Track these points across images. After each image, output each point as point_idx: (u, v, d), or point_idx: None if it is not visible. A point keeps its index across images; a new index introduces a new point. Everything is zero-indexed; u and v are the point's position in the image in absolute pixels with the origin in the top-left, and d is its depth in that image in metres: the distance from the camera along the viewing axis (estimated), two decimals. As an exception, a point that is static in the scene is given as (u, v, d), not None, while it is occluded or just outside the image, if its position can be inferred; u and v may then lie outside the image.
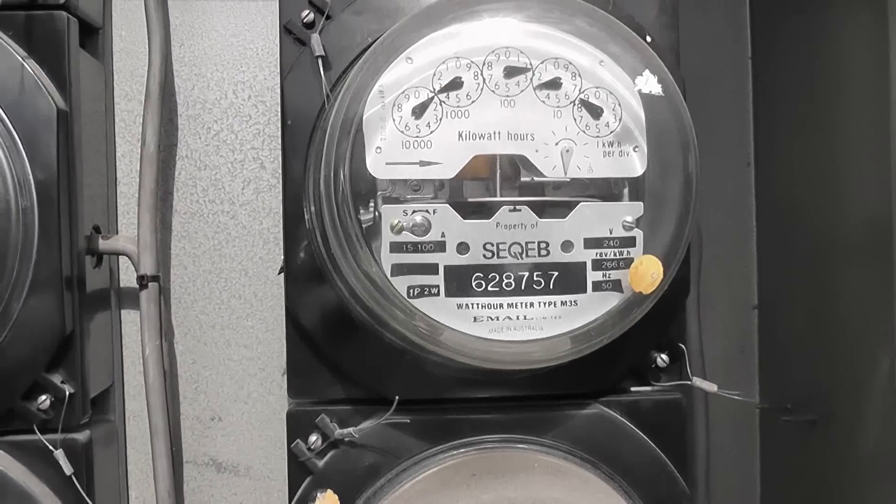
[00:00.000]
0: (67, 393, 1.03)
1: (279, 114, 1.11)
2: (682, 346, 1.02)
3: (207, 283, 1.22)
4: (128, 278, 1.21)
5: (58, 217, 1.02)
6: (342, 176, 0.88)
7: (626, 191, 0.94)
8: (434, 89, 0.90)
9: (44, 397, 1.03)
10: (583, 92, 0.91)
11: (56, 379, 1.04)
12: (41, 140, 1.02)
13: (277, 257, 1.20)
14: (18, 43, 1.03)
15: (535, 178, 0.93)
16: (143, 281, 1.11)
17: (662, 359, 1.02)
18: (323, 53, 0.97)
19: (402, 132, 0.89)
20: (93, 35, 1.17)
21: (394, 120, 0.89)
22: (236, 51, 1.23)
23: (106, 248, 1.13)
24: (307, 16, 1.01)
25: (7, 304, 1.01)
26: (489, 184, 0.95)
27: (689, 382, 1.02)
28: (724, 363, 1.27)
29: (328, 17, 1.00)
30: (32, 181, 1.02)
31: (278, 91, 1.14)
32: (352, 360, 1.03)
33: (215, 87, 1.22)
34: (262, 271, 1.22)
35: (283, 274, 1.03)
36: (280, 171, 1.12)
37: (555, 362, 0.92)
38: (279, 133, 1.12)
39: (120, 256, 1.20)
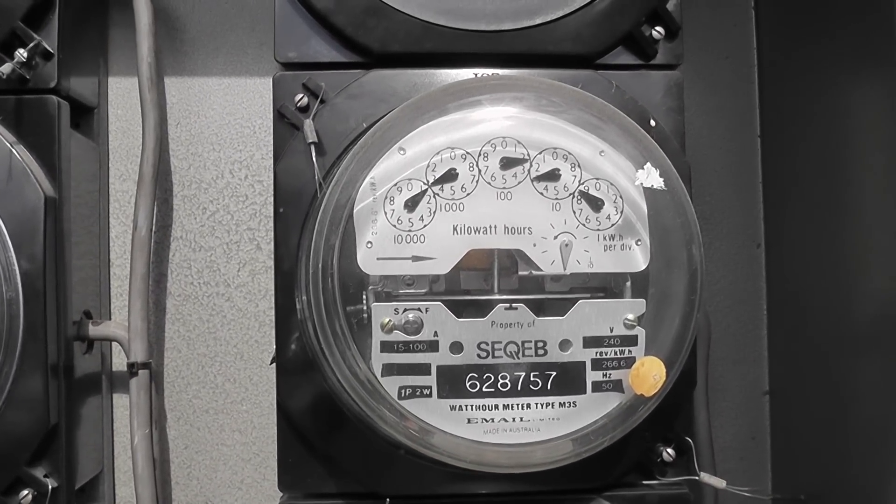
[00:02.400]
0: (50, 488, 1.00)
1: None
2: (690, 441, 0.98)
3: (202, 366, 1.19)
4: (120, 362, 1.17)
5: (44, 308, 0.99)
6: (331, 271, 0.85)
7: (627, 285, 0.89)
8: (428, 181, 0.87)
9: (25, 492, 1.00)
10: (583, 183, 0.89)
11: (39, 473, 1.01)
12: (28, 229, 1.00)
13: (273, 341, 1.15)
14: (8, 128, 1.02)
15: (533, 273, 0.87)
16: (133, 368, 1.08)
17: (669, 453, 0.99)
18: (315, 140, 0.95)
19: (394, 226, 0.87)
20: (87, 115, 1.14)
21: (385, 213, 0.87)
22: (233, 130, 1.20)
23: (96, 334, 1.10)
24: (301, 99, 0.99)
25: (-7, 399, 0.95)
26: (485, 275, 0.90)
27: (696, 478, 0.96)
28: (736, 451, 1.23)
29: (322, 101, 0.96)
30: (18, 272, 0.99)
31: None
32: (344, 455, 1.00)
33: (211, 167, 1.19)
34: (257, 355, 1.19)
35: (274, 364, 0.97)
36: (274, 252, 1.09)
37: (554, 466, 0.86)
38: (275, 214, 1.08)
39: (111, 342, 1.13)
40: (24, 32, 1.00)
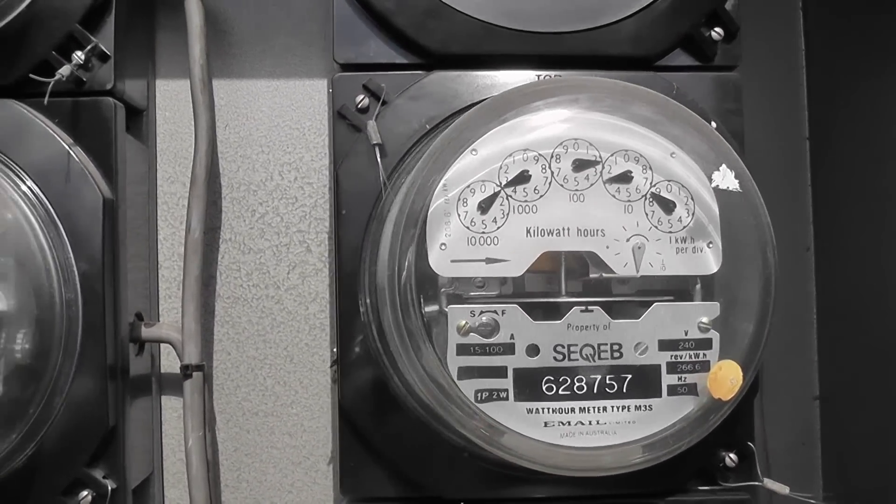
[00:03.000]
0: (110, 489, 0.99)
1: (327, 196, 1.09)
2: (752, 446, 0.97)
3: (251, 369, 1.18)
4: (168, 364, 1.16)
5: (102, 309, 0.99)
6: (405, 274, 0.84)
7: (697, 288, 0.88)
8: (500, 183, 0.86)
9: (85, 493, 1.00)
10: (654, 185, 0.88)
11: (98, 474, 1.01)
12: (86, 230, 0.99)
13: (324, 343, 1.16)
14: (65, 130, 1.00)
15: (604, 275, 0.87)
16: (187, 370, 1.07)
17: (731, 458, 0.98)
18: (380, 141, 0.94)
19: (467, 228, 0.86)
20: (137, 117, 1.13)
21: (459, 215, 0.86)
22: (282, 132, 1.20)
23: (149, 336, 1.09)
24: (361, 101, 0.97)
25: (49, 398, 0.97)
26: (552, 278, 0.90)
27: (759, 483, 0.96)
28: (786, 457, 1.22)
29: (384, 103, 0.95)
30: (76, 273, 0.98)
31: (326, 173, 1.12)
32: (406, 458, 0.99)
33: (261, 169, 1.18)
34: (307, 358, 1.18)
35: (335, 367, 0.97)
36: (327, 255, 1.11)
37: (629, 469, 0.86)
38: (327, 216, 1.10)
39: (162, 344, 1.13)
40: (81, 35, 0.99)
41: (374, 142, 0.94)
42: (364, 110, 0.98)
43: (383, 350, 0.94)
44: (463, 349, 0.85)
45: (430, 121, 0.98)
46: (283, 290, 1.19)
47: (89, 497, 1.00)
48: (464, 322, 0.85)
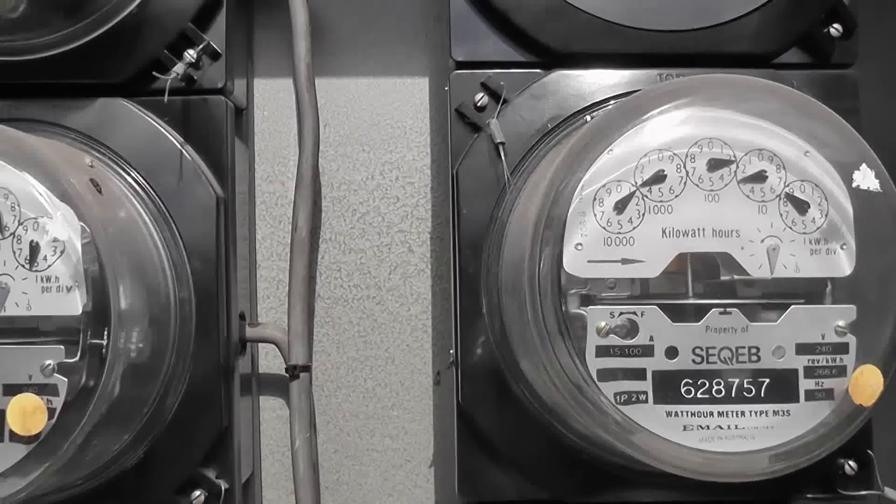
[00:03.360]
0: (223, 489, 0.98)
1: (429, 196, 1.10)
2: (871, 454, 0.95)
3: (351, 370, 1.17)
4: (268, 364, 1.15)
5: (216, 308, 0.98)
6: (543, 275, 0.82)
7: (828, 291, 0.87)
8: (636, 183, 0.84)
9: (198, 493, 1.00)
10: (788, 185, 0.85)
11: (210, 473, 1.00)
12: (200, 229, 0.99)
13: (425, 345, 1.15)
14: (175, 128, 1.00)
15: (736, 277, 0.85)
16: (294, 371, 1.06)
17: (851, 466, 0.96)
18: (504, 140, 0.92)
19: (604, 228, 0.85)
20: (238, 116, 1.11)
21: (595, 215, 0.84)
22: (383, 130, 1.18)
23: (254, 336, 1.08)
24: (480, 99, 0.95)
25: (162, 397, 0.97)
26: (678, 279, 0.89)
27: (879, 493, 0.94)
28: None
29: (505, 101, 0.94)
30: (189, 272, 0.97)
31: (427, 172, 1.12)
32: (526, 460, 0.99)
33: (361, 168, 1.17)
34: (408, 359, 1.17)
35: (452, 368, 0.97)
36: (429, 256, 1.13)
37: (771, 476, 0.84)
38: (429, 216, 1.09)
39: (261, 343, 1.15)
40: (193, 33, 0.99)
41: (498, 140, 0.93)
42: (482, 108, 0.96)
43: (505, 351, 0.93)
44: (602, 351, 0.84)
45: (552, 120, 0.96)
46: (385, 291, 1.17)
47: (202, 497, 0.99)
48: (603, 323, 0.83)
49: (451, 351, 0.97)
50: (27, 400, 0.83)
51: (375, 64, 1.19)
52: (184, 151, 0.96)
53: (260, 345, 1.15)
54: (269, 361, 1.15)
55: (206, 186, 0.95)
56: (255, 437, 1.16)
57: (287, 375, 1.09)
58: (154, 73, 0.95)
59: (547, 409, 0.93)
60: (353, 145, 1.17)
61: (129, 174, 0.97)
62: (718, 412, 0.85)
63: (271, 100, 1.17)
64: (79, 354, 0.84)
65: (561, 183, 0.84)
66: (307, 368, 1.07)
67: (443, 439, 1.16)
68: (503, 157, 0.93)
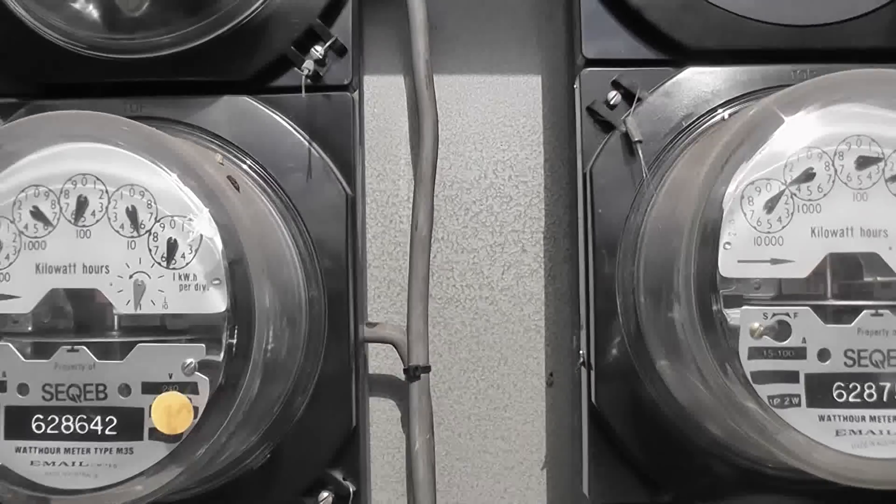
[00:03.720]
0: (351, 491, 0.96)
1: (542, 195, 1.14)
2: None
3: (464, 371, 1.16)
4: (377, 365, 1.13)
5: (347, 307, 0.96)
6: (697, 275, 0.80)
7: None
8: (785, 181, 0.82)
9: (325, 494, 0.99)
10: (937, 185, 0.83)
11: (337, 475, 0.99)
12: (329, 227, 0.97)
13: (538, 346, 1.15)
14: (300, 126, 0.99)
15: (879, 279, 0.83)
16: (415, 372, 1.05)
17: None
18: (641, 138, 0.90)
19: (754, 227, 0.83)
20: (350, 114, 1.09)
21: (745, 214, 0.82)
22: (497, 129, 1.17)
23: (371, 336, 1.07)
24: (614, 97, 0.94)
25: (290, 398, 0.97)
26: (820, 279, 0.87)
27: None
28: None
29: (639, 99, 0.92)
30: (320, 270, 0.96)
31: (541, 171, 1.11)
32: (658, 462, 0.98)
33: (474, 167, 1.16)
34: (521, 360, 1.15)
35: (583, 368, 0.97)
36: (542, 256, 1.14)
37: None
38: (542, 215, 1.09)
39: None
40: (321, 29, 0.98)
41: (636, 139, 0.92)
42: (613, 107, 0.94)
43: (640, 352, 0.93)
44: (755, 353, 0.82)
45: (687, 118, 0.95)
46: (498, 291, 1.16)
47: (330, 498, 0.98)
48: (757, 325, 0.81)
49: (581, 352, 0.96)
50: (172, 398, 0.82)
51: (487, 62, 1.17)
52: (312, 148, 0.94)
53: (371, 345, 1.12)
54: (379, 362, 1.12)
55: (335, 184, 0.94)
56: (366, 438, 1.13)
57: (405, 376, 1.06)
58: (298, 69, 0.94)
59: (681, 410, 0.92)
60: (465, 144, 1.15)
61: (257, 172, 0.94)
62: (871, 417, 0.84)
63: (382, 97, 1.15)
64: (223, 353, 0.82)
65: (714, 182, 0.80)
66: (427, 369, 1.05)
67: (555, 441, 1.15)
68: (641, 156, 0.90)
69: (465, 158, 1.15)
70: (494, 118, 1.17)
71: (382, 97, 1.15)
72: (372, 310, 1.15)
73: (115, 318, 0.88)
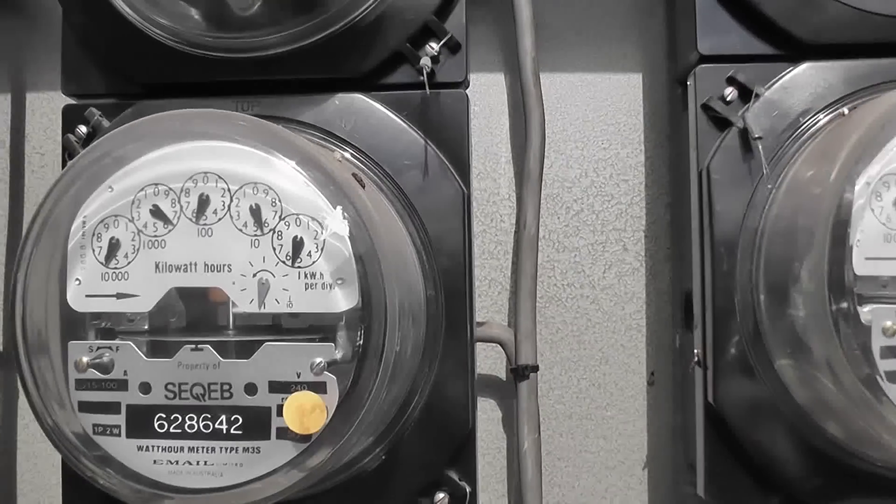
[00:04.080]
0: (467, 491, 0.95)
1: (643, 193, 1.14)
2: None
3: (565, 370, 1.15)
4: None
5: (465, 306, 0.95)
6: (829, 275, 0.79)
7: None
8: (910, 175, 0.81)
9: (442, 495, 0.98)
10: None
11: (454, 475, 0.99)
12: (447, 226, 0.97)
13: (640, 345, 1.14)
14: (414, 123, 0.98)
15: None
16: (524, 371, 1.03)
17: None
18: (761, 135, 0.89)
19: (883, 224, 0.83)
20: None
21: (873, 210, 0.84)
22: (597, 127, 1.16)
23: (480, 335, 1.07)
24: (730, 94, 0.93)
25: (408, 397, 0.96)
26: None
27: None
28: None
29: (757, 96, 0.91)
30: (438, 269, 0.96)
31: (642, 169, 1.11)
32: (776, 462, 0.96)
33: (575, 165, 1.15)
34: (623, 360, 1.15)
35: (698, 367, 0.97)
36: (643, 254, 1.14)
37: None
38: (643, 214, 1.09)
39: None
40: (436, 26, 0.97)
41: (756, 135, 0.92)
42: (729, 103, 0.93)
43: (758, 351, 0.93)
44: (887, 352, 0.82)
45: (804, 114, 0.95)
46: (599, 290, 1.15)
47: (446, 499, 0.97)
48: (889, 323, 0.80)
49: (696, 351, 0.94)
50: (305, 398, 0.82)
51: (588, 60, 1.17)
52: (428, 146, 0.93)
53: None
54: (479, 362, 1.11)
55: (452, 182, 0.94)
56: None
57: (512, 376, 1.06)
58: (418, 66, 0.93)
59: (799, 410, 0.92)
60: (566, 142, 1.15)
61: (373, 170, 0.93)
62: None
63: (483, 95, 1.15)
64: (357, 352, 0.81)
65: (846, 179, 0.80)
66: (535, 368, 1.05)
67: (656, 441, 1.14)
68: (761, 153, 0.89)
69: (566, 157, 1.15)
70: (595, 116, 1.16)
71: (483, 95, 1.14)
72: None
73: (231, 316, 0.86)
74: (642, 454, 1.14)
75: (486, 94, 1.15)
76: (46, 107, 1.24)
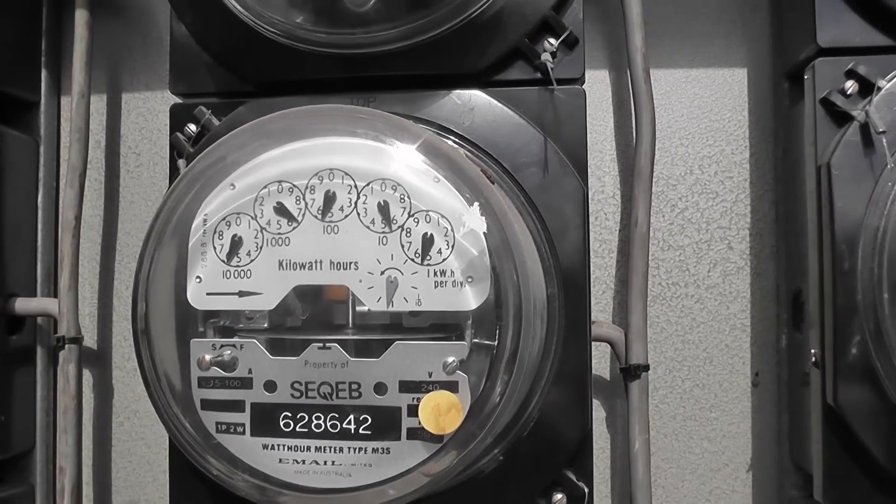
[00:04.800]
0: (585, 492, 0.94)
1: (748, 191, 1.12)
2: None
3: (669, 370, 1.14)
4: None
5: (585, 305, 0.94)
6: None
7: None
8: None
9: (560, 496, 0.98)
10: None
11: (571, 476, 0.97)
12: (567, 223, 0.96)
13: (744, 345, 1.13)
14: (532, 119, 0.97)
15: None
16: (635, 371, 1.03)
17: None
18: (885, 129, 0.88)
19: None
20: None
21: None
22: (702, 123, 1.15)
23: (596, 335, 1.03)
24: (851, 87, 0.91)
25: (526, 399, 0.94)
26: None
27: None
28: None
29: (878, 89, 0.90)
30: (559, 267, 0.96)
31: (747, 166, 1.10)
32: (897, 465, 0.90)
33: (680, 163, 1.14)
34: (727, 360, 1.14)
35: (815, 368, 0.95)
36: (748, 253, 1.13)
37: None
38: (748, 211, 1.08)
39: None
40: (556, 21, 0.96)
41: (881, 129, 0.89)
42: (848, 97, 0.92)
43: (880, 351, 0.91)
44: None
45: (924, 107, 0.90)
46: (704, 289, 1.14)
47: (564, 500, 0.97)
48: None
49: (813, 351, 0.92)
50: (441, 397, 0.81)
51: (692, 56, 1.16)
52: (548, 142, 0.92)
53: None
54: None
55: (573, 179, 0.93)
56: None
57: (622, 375, 1.06)
58: (535, 62, 0.93)
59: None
60: (671, 139, 1.14)
61: (492, 166, 0.93)
62: None
63: (588, 92, 1.12)
64: (491, 351, 0.80)
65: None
66: (646, 368, 1.04)
67: (760, 443, 1.13)
68: (886, 147, 0.87)
69: (671, 154, 1.14)
70: (700, 113, 1.15)
71: (588, 92, 1.12)
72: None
73: (351, 315, 0.86)
74: (747, 456, 1.13)
75: (591, 91, 1.13)
76: (143, 107, 1.23)
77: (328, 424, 0.84)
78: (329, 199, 0.84)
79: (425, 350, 0.82)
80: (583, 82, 0.98)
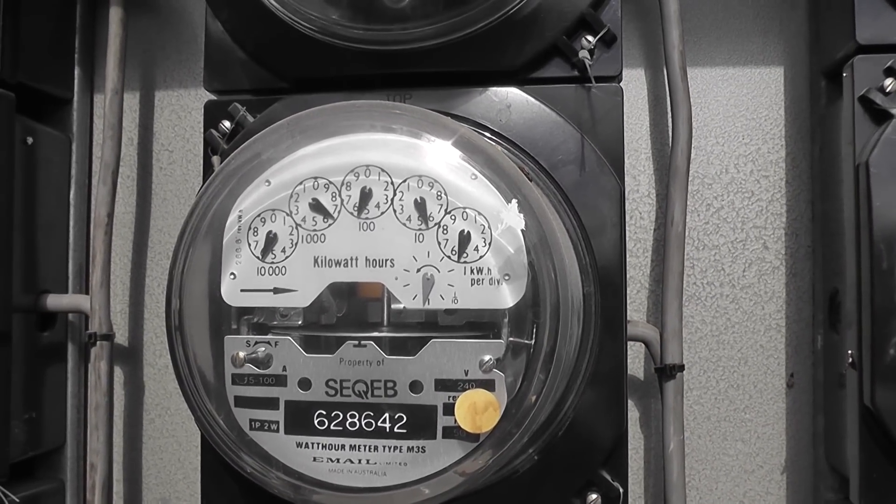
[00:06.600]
0: (620, 492, 0.94)
1: (784, 190, 1.11)
2: None
3: (703, 371, 1.14)
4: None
5: (622, 304, 0.95)
6: None
7: None
8: None
9: (594, 496, 0.96)
10: None
11: (607, 476, 0.96)
12: (604, 222, 0.95)
13: (779, 346, 1.12)
14: (569, 117, 0.96)
15: None
16: (671, 371, 1.02)
17: None
18: (920, 127, 0.86)
19: None
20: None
21: None
22: (738, 122, 1.14)
23: (631, 334, 1.03)
24: (890, 85, 0.90)
25: (562, 399, 0.93)
26: None
27: None
28: None
29: (918, 85, 0.89)
30: (595, 266, 0.96)
31: (783, 165, 1.08)
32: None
33: (715, 161, 1.13)
34: (762, 360, 1.12)
35: (852, 369, 0.94)
36: (784, 252, 1.13)
37: None
38: (784, 211, 1.07)
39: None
40: (593, 19, 0.95)
41: (916, 128, 0.87)
42: (888, 94, 0.91)
43: None
44: None
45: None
46: (739, 289, 1.13)
47: (598, 500, 0.96)
48: None
49: (850, 352, 0.91)
50: (478, 396, 0.81)
51: (728, 55, 1.15)
52: (585, 141, 0.91)
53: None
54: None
55: (610, 177, 0.92)
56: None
57: (657, 375, 1.05)
58: (583, 57, 0.91)
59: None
60: (707, 138, 1.13)
61: (528, 164, 0.92)
62: None
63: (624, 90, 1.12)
64: (528, 349, 0.79)
65: None
66: (681, 368, 1.03)
67: (795, 444, 1.12)
68: (919, 146, 0.86)
69: (706, 153, 1.13)
70: (736, 111, 1.14)
71: (625, 90, 1.11)
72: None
73: (386, 312, 0.85)
74: (781, 458, 1.12)
75: (627, 89, 1.12)
76: (176, 104, 1.23)
77: (363, 423, 0.84)
78: (365, 195, 0.84)
79: (461, 348, 0.82)
80: (620, 80, 0.97)
